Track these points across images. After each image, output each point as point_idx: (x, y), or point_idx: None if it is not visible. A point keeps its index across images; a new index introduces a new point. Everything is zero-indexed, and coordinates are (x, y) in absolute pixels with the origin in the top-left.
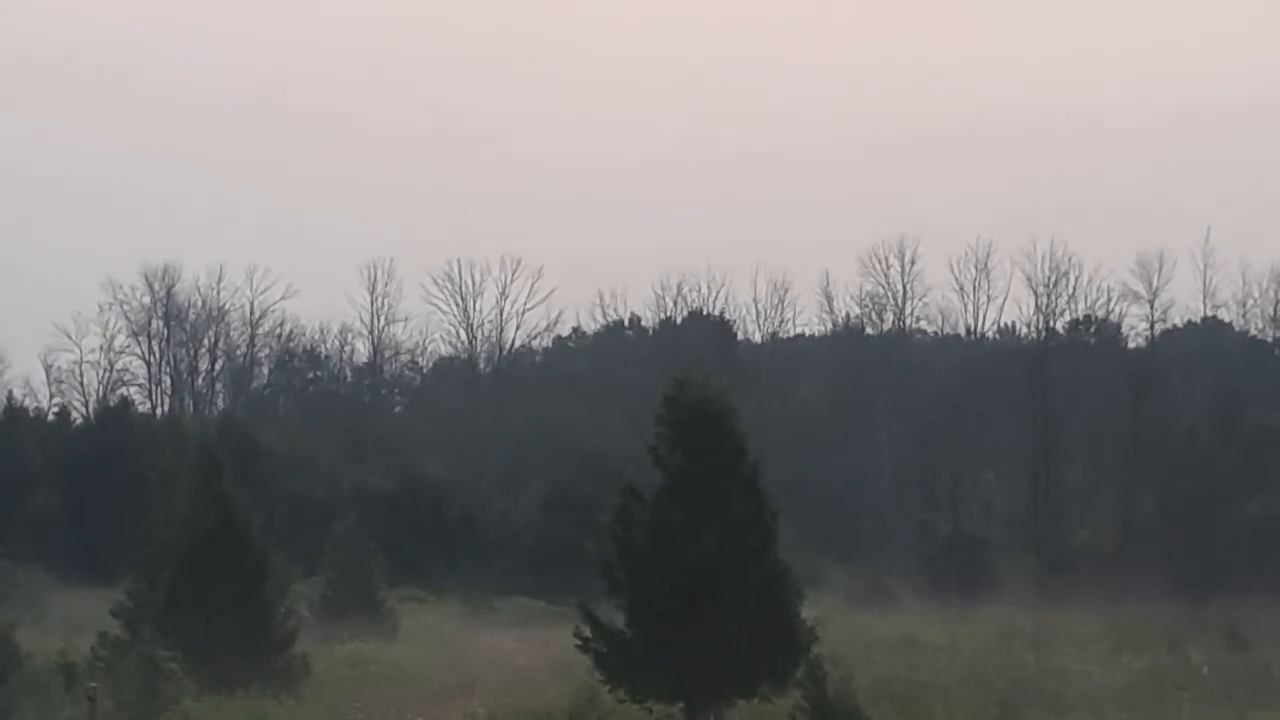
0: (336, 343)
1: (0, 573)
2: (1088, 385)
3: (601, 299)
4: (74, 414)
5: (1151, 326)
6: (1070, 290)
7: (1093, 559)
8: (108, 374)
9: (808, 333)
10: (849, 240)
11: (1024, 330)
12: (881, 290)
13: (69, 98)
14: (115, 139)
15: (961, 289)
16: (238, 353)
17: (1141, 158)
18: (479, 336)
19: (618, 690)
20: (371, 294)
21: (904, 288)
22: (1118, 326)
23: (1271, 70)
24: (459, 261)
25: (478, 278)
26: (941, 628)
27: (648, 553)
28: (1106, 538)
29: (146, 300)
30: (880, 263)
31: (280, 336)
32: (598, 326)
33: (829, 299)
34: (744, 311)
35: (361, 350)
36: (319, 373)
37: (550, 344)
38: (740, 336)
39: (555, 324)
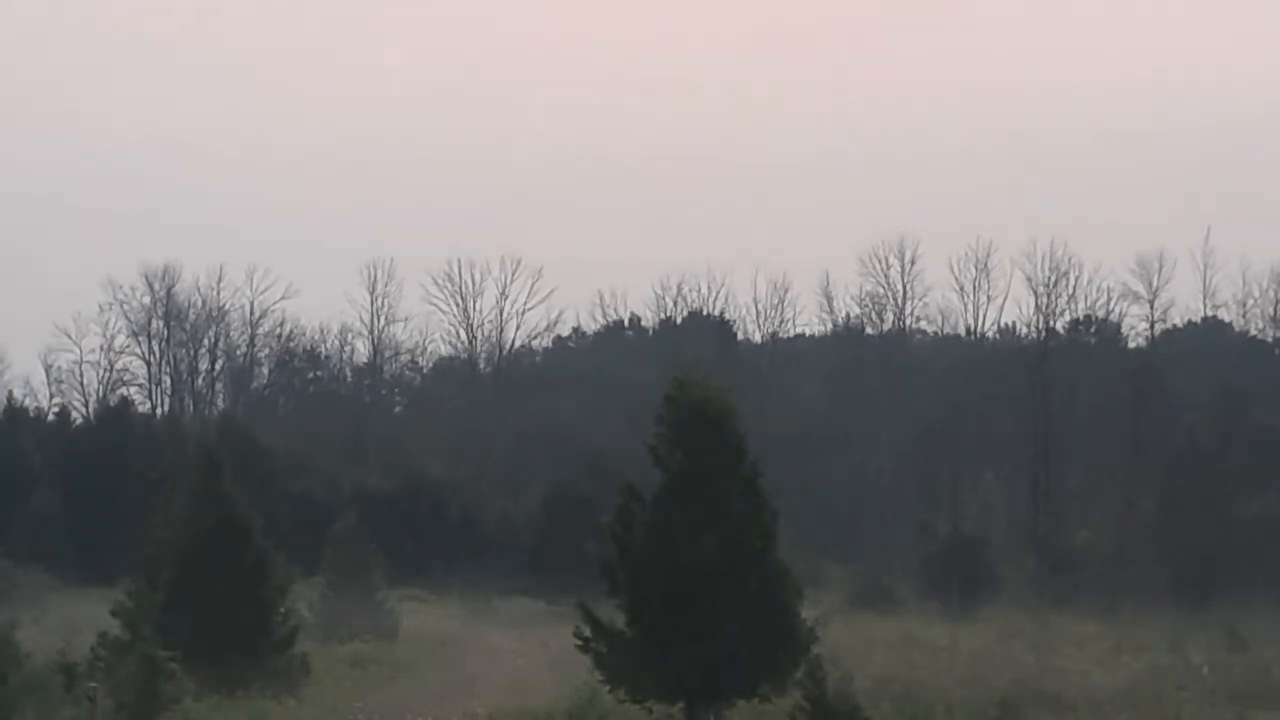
0: (336, 343)
1: (0, 573)
2: (1088, 385)
3: (601, 299)
4: (74, 414)
5: (1151, 326)
6: (1070, 290)
7: (1093, 559)
8: (108, 374)
9: (808, 333)
10: (849, 240)
11: (1024, 330)
12: (881, 290)
13: (69, 98)
14: (115, 139)
15: (961, 289)
16: (238, 353)
17: (1142, 158)
18: (479, 336)
19: (618, 690)
20: (371, 294)
21: (904, 288)
22: (1118, 326)
23: (1272, 71)
24: (459, 261)
25: (478, 278)
26: (941, 628)
27: (648, 553)
28: (1106, 538)
29: (146, 300)
30: (880, 263)
31: (280, 336)
32: (598, 326)
33: (829, 299)
34: (744, 311)
35: (361, 350)
36: (319, 373)
37: (550, 344)
38: (740, 336)
39: (555, 324)
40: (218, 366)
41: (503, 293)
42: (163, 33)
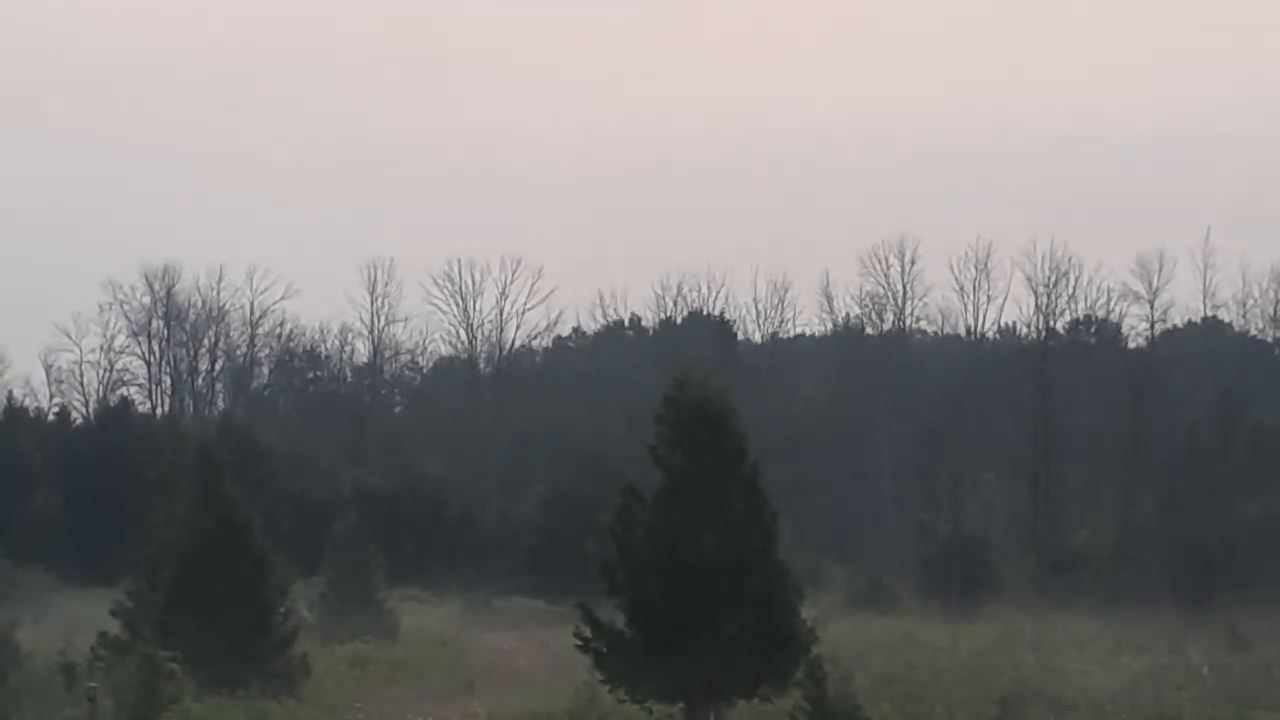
0: (336, 343)
1: (0, 573)
2: (1088, 385)
3: (601, 299)
4: (74, 414)
5: (1151, 326)
6: (1070, 290)
7: (1093, 559)
8: (108, 374)
9: (808, 333)
10: (849, 240)
11: (1024, 330)
12: (881, 290)
13: (69, 97)
14: (115, 139)
15: (961, 289)
16: (238, 353)
17: (1142, 158)
18: (479, 336)
19: (618, 690)
20: (371, 294)
21: (904, 288)
22: (1118, 326)
23: (1272, 71)
24: (459, 261)
25: (478, 278)
26: (941, 628)
27: (648, 553)
28: (1106, 538)
29: (146, 300)
30: (880, 263)
31: (280, 336)
32: (598, 326)
33: (829, 299)
34: (744, 311)
35: (361, 350)
36: (319, 373)
37: (550, 344)
38: (740, 336)
39: (555, 324)
40: (218, 366)
41: (503, 293)
42: (163, 32)
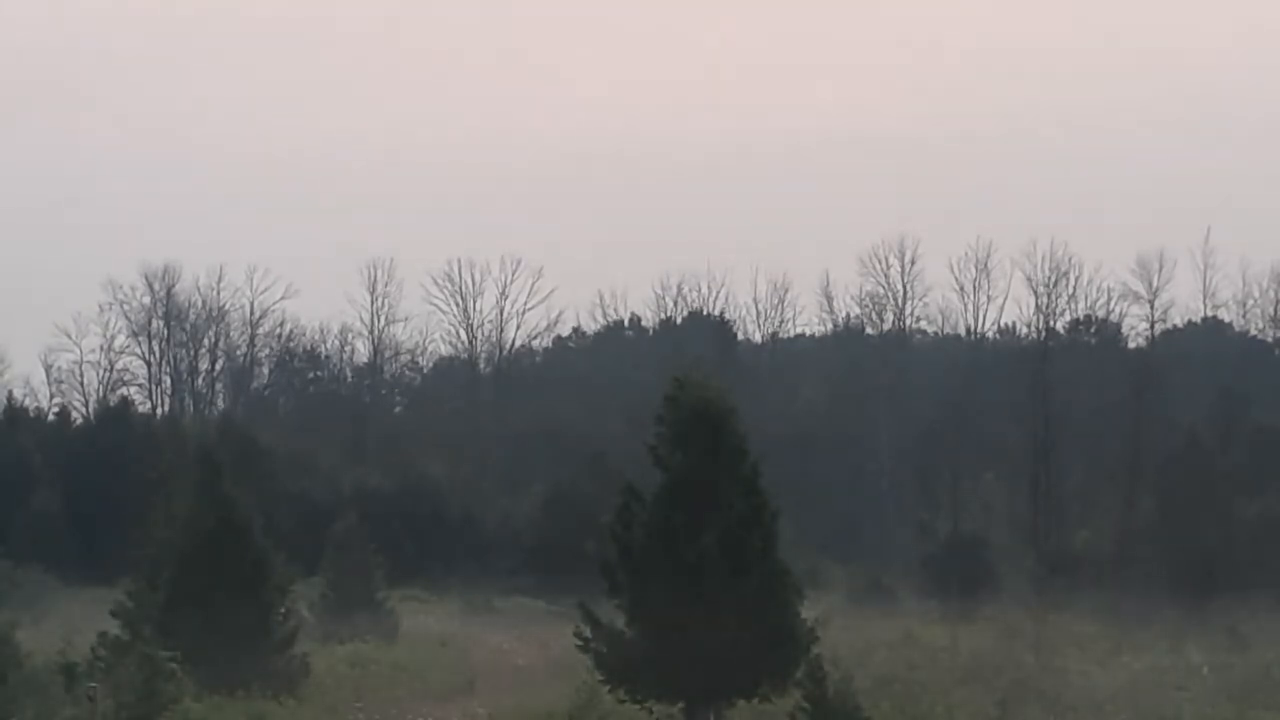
0: (336, 343)
1: (0, 573)
2: (1088, 385)
3: (601, 299)
4: (74, 414)
5: (1151, 326)
6: (1070, 290)
7: (1093, 559)
8: (108, 374)
9: (808, 333)
10: (849, 240)
11: (1024, 330)
12: (881, 290)
13: (68, 97)
14: (114, 139)
15: (961, 289)
16: (238, 353)
17: (1142, 158)
18: (479, 336)
19: (618, 690)
20: (371, 294)
21: (904, 288)
22: (1118, 326)
23: (1272, 72)
24: (459, 261)
25: (478, 278)
26: (941, 628)
27: (648, 553)
28: (1106, 538)
29: (146, 300)
30: (880, 263)
31: (280, 336)
32: (598, 326)
33: (829, 299)
34: (744, 311)
35: (361, 350)
36: (319, 373)
37: (550, 344)
38: (740, 336)
39: (555, 324)
40: (218, 366)
41: (503, 293)
42: (163, 33)
